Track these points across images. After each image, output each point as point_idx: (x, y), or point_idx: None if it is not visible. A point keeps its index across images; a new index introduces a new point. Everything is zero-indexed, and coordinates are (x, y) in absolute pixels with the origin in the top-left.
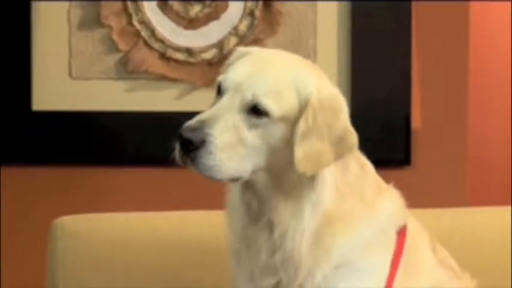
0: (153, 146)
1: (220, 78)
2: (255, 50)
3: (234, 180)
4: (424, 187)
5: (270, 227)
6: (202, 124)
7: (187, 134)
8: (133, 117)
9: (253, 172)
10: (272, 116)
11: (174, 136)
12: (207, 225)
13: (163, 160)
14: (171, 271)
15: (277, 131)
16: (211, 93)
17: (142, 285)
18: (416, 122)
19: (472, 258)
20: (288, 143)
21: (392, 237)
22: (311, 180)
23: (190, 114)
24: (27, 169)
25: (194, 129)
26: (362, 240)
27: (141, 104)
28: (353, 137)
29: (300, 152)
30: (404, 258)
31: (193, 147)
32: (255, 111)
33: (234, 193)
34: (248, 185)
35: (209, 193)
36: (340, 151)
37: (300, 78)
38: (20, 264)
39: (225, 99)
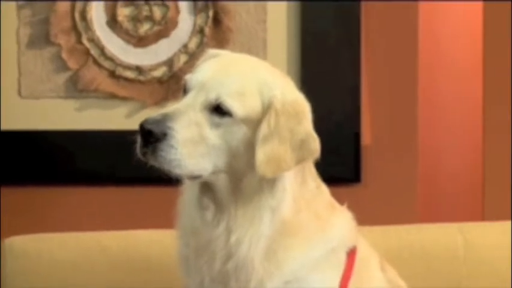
0: (103, 165)
1: (187, 77)
2: (224, 52)
3: (193, 178)
4: (374, 204)
5: (228, 233)
6: (165, 117)
7: (148, 126)
8: (84, 136)
9: (214, 173)
10: (235, 116)
11: (123, 154)
12: (156, 244)
13: (113, 179)
14: None
15: (239, 132)
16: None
17: None
18: (365, 139)
19: (421, 275)
20: (250, 146)
21: (342, 258)
22: (271, 186)
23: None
24: None
25: (156, 121)
26: (314, 257)
27: (91, 123)
28: (315, 143)
29: (261, 154)
30: (353, 277)
31: (153, 139)
32: (218, 110)
33: (189, 197)
34: (207, 189)
35: (159, 212)
36: (301, 156)
37: (264, 81)
38: None
39: (190, 96)
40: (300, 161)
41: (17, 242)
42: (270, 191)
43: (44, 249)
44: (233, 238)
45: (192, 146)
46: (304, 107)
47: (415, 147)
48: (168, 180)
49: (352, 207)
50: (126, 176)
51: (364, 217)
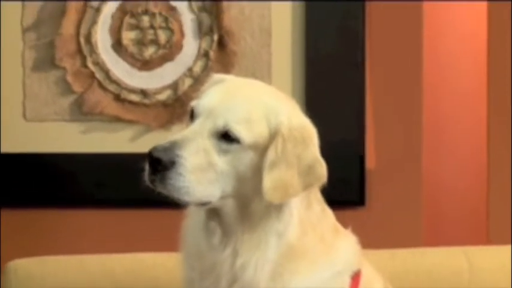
0: (108, 188)
1: (193, 103)
2: (229, 77)
3: (202, 204)
4: (379, 227)
5: (234, 257)
6: (173, 145)
7: (157, 154)
8: (88, 159)
9: (222, 198)
10: (243, 143)
11: (129, 178)
12: (162, 268)
13: (118, 202)
14: None
15: (247, 158)
16: (166, 134)
17: None
18: (370, 162)
19: None
20: (257, 171)
21: (347, 281)
22: (278, 210)
23: (146, 156)
24: None
25: (165, 149)
26: (319, 281)
27: (96, 146)
28: (322, 168)
29: (268, 180)
30: None
31: (162, 168)
32: (226, 137)
33: (194, 221)
34: (214, 213)
35: (163, 235)
36: (308, 181)
37: (270, 107)
38: None
39: (197, 123)
40: (307, 186)
41: (21, 265)
42: (277, 216)
43: (48, 272)
44: (239, 262)
45: (201, 173)
46: (311, 132)
47: (419, 171)
48: (172, 204)
49: (356, 231)
50: (130, 198)
51: (369, 240)
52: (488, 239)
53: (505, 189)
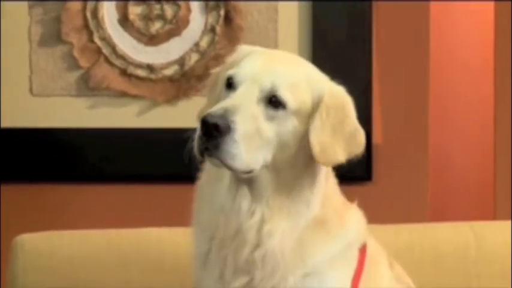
0: (114, 163)
1: (231, 72)
2: (259, 49)
3: (247, 173)
4: (385, 203)
5: (261, 223)
6: (227, 111)
7: (214, 119)
8: (95, 134)
9: (261, 167)
10: (288, 109)
11: (135, 152)
12: (168, 242)
13: (124, 176)
14: None
15: (290, 125)
16: (172, 109)
17: None
18: (377, 137)
19: (432, 273)
20: (298, 139)
21: (355, 254)
22: (312, 180)
23: (152, 131)
24: None
25: (220, 115)
26: (333, 252)
27: (102, 121)
28: (361, 136)
29: (317, 144)
30: (364, 274)
31: (218, 134)
32: (272, 103)
33: (212, 189)
34: (246, 179)
35: (170, 210)
36: (351, 149)
37: (311, 75)
38: None
39: (242, 90)
40: (350, 154)
41: (28, 240)
42: (310, 186)
43: (55, 247)
44: (266, 228)
45: (250, 140)
46: (349, 100)
47: (426, 146)
48: (180, 178)
49: (363, 206)
50: (137, 173)
51: (375, 215)
52: (495, 214)
53: (511, 164)
